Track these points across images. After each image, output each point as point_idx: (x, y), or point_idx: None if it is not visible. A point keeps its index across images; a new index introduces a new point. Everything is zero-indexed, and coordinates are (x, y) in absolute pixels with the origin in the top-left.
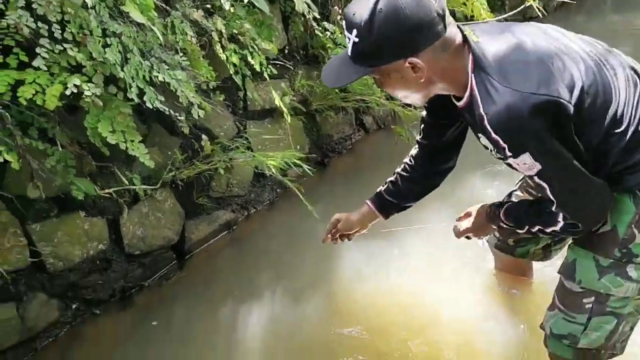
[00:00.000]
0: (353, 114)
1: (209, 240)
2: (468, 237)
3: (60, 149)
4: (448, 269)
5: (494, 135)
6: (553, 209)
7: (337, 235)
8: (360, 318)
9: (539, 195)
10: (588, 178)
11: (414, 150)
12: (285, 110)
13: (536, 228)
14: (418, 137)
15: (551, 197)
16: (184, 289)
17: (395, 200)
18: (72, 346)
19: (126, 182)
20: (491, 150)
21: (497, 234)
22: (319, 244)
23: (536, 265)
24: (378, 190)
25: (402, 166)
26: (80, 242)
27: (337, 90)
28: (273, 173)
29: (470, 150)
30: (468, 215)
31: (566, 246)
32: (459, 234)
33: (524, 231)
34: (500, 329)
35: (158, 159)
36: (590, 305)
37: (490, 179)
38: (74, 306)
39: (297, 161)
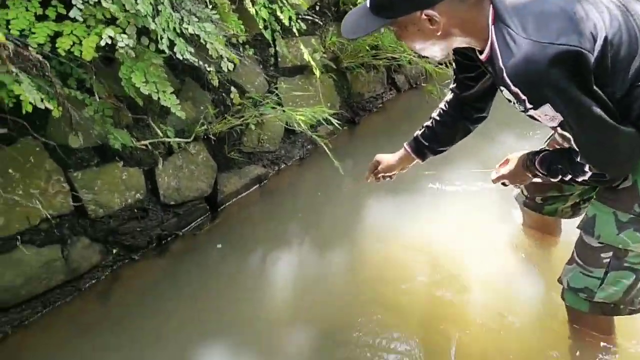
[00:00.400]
0: (385, 72)
1: (241, 193)
2: (504, 184)
3: (98, 99)
4: (476, 224)
5: (513, 87)
6: (578, 159)
7: (378, 175)
8: (386, 270)
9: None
10: (614, 128)
11: (448, 96)
12: (315, 66)
13: (568, 177)
14: (451, 85)
15: (575, 147)
16: (217, 239)
17: (430, 144)
18: (112, 287)
19: (160, 134)
20: (514, 103)
21: (525, 192)
22: (347, 198)
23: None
24: (415, 134)
25: (438, 111)
26: (119, 191)
27: (367, 47)
28: (302, 129)
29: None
30: (507, 162)
31: None
32: (495, 179)
33: (558, 179)
34: (523, 281)
35: (191, 113)
36: (607, 260)
37: (524, 139)
38: (114, 251)
39: (327, 116)
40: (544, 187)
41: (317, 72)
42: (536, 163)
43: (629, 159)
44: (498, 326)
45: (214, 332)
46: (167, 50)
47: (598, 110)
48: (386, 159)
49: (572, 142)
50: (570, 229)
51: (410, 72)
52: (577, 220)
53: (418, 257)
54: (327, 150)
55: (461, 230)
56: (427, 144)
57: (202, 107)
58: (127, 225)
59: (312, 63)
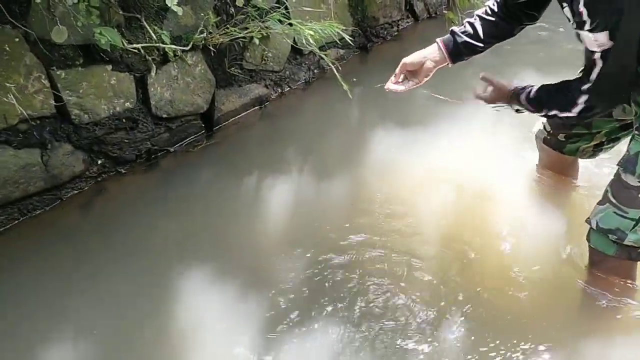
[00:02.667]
0: None
1: (240, 113)
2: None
3: None
4: (489, 159)
5: (581, 7)
6: (584, 88)
7: (403, 74)
8: (388, 204)
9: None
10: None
11: None
12: None
13: (553, 112)
14: None
15: (595, 76)
16: (210, 158)
17: (469, 39)
18: (96, 200)
19: (155, 38)
20: (571, 22)
21: (547, 128)
22: (353, 127)
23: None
24: (451, 29)
25: (483, 9)
26: (106, 97)
27: None
28: (311, 46)
29: None
30: (494, 84)
31: (615, 145)
32: (476, 96)
33: (540, 114)
34: (541, 222)
35: (189, 19)
36: None
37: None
38: (99, 161)
39: (339, 31)
40: (570, 123)
41: None
42: (522, 98)
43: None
44: (512, 275)
45: (197, 253)
46: None
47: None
48: (414, 58)
49: (596, 70)
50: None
51: None
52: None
53: (425, 194)
54: (336, 73)
55: (474, 169)
56: (465, 39)
57: (202, 14)
58: (115, 136)
59: None
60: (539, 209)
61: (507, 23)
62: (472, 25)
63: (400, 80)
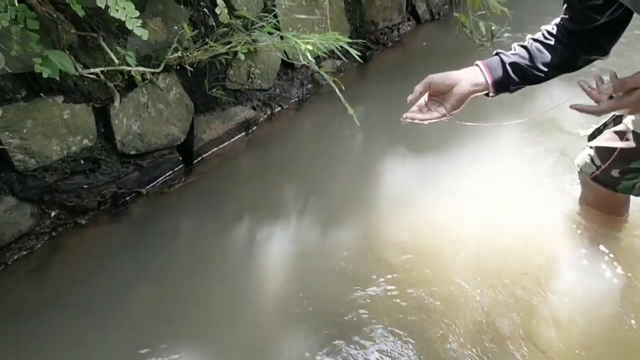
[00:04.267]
0: None
1: (224, 142)
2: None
3: (17, 3)
4: (525, 196)
5: None
6: None
7: (425, 95)
8: (399, 247)
9: None
10: None
11: (557, 20)
12: None
13: None
14: (562, 15)
15: None
16: (190, 200)
17: (523, 63)
18: (50, 261)
19: (116, 60)
20: None
21: (597, 161)
22: (359, 154)
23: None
24: (496, 51)
25: (539, 34)
26: (58, 135)
27: None
28: (309, 60)
29: None
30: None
31: None
32: (603, 106)
33: None
34: (592, 271)
35: (160, 34)
36: None
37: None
38: (52, 214)
39: (344, 45)
40: (629, 155)
41: None
42: None
43: None
44: (564, 321)
45: (178, 328)
46: None
47: None
48: (444, 77)
49: None
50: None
51: None
52: None
53: (451, 242)
54: (338, 92)
55: (502, 201)
56: (517, 60)
57: (175, 27)
58: (71, 181)
59: None
60: (585, 259)
61: (571, 51)
62: (525, 48)
63: (421, 103)
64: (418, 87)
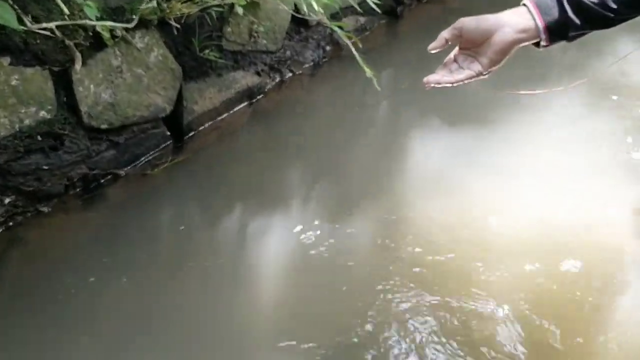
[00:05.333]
0: None
1: (221, 114)
2: None
3: None
4: (578, 179)
5: None
6: None
7: (452, 58)
8: (430, 244)
9: None
10: None
11: None
12: None
13: None
14: None
15: None
16: (178, 183)
17: (589, 1)
18: (5, 256)
19: (66, 10)
20: None
21: None
22: (381, 130)
23: None
24: None
25: None
26: (6, 106)
27: None
28: (317, 15)
29: None
30: None
31: None
32: None
33: None
34: None
35: None
36: None
37: None
38: (7, 200)
39: None
40: None
41: None
42: None
43: None
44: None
45: (157, 343)
46: None
47: None
48: (479, 21)
49: None
50: None
51: None
52: None
53: (495, 233)
54: (355, 53)
55: (561, 188)
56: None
57: None
58: (26, 161)
59: None
60: None
61: None
62: None
63: (449, 58)
64: (444, 34)
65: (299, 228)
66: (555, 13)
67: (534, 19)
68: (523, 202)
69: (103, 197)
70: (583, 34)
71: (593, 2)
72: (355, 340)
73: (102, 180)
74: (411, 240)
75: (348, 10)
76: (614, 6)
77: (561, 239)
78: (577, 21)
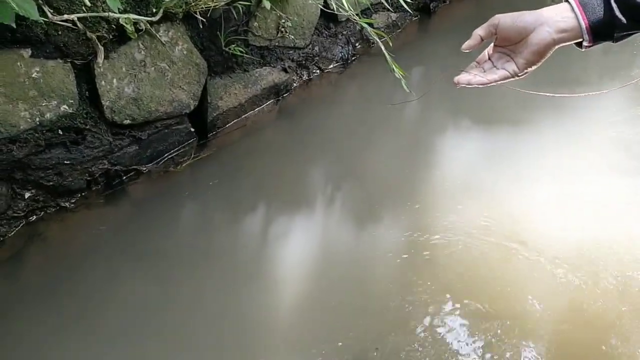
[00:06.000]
0: None
1: (247, 111)
2: None
3: None
4: (618, 189)
5: None
6: None
7: (486, 56)
8: (458, 252)
9: None
10: None
11: None
12: None
13: None
14: None
15: None
16: (202, 181)
17: None
18: (25, 251)
19: (87, 2)
20: None
21: None
22: (410, 130)
23: None
24: None
25: None
26: (26, 98)
27: None
28: (347, 11)
29: None
30: None
31: None
32: None
33: None
34: None
35: None
36: None
37: None
38: (27, 195)
39: None
40: None
41: None
42: None
43: None
44: None
45: (174, 342)
46: None
47: None
48: (515, 19)
49: None
50: None
51: None
52: None
53: (527, 241)
54: (385, 52)
55: (601, 197)
56: None
57: None
58: (46, 155)
59: None
60: None
61: None
62: None
63: (483, 56)
64: (478, 31)
65: (321, 230)
66: (600, 11)
67: (577, 18)
68: (554, 212)
69: (125, 194)
70: (630, 35)
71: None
72: (374, 353)
73: (125, 177)
74: (436, 246)
75: (379, 6)
76: None
77: (594, 253)
78: (624, 20)
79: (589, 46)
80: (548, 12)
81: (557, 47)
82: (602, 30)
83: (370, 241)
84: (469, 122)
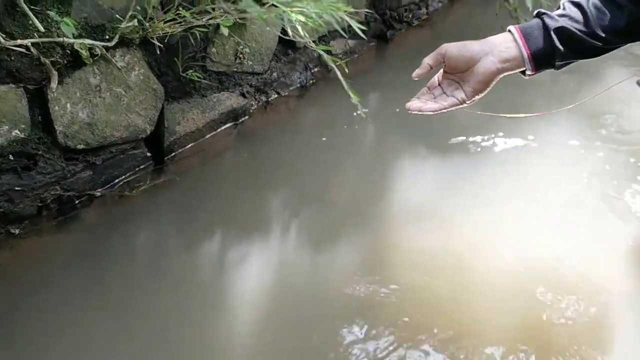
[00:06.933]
0: None
1: (205, 135)
2: None
3: None
4: (570, 215)
5: None
6: None
7: (436, 82)
8: (414, 278)
9: None
10: None
11: None
12: None
13: None
14: None
15: None
16: (157, 206)
17: (574, 28)
18: None
19: (41, 28)
20: None
21: None
22: (368, 154)
23: None
24: (538, 10)
25: None
26: None
27: None
28: (302, 37)
29: None
30: None
31: None
32: None
33: None
34: None
35: (119, 0)
36: None
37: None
38: None
39: (344, 15)
40: None
41: None
42: None
43: None
44: None
45: None
46: None
47: None
48: (462, 49)
49: None
50: None
51: None
52: None
53: (483, 267)
54: (342, 78)
55: (552, 221)
56: (566, 25)
57: None
58: None
59: None
60: None
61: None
62: (578, 7)
63: (433, 82)
64: (427, 60)
65: (279, 255)
66: (540, 41)
67: (519, 47)
68: (506, 236)
69: (78, 219)
70: (571, 62)
71: (581, 32)
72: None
73: (77, 202)
74: (393, 270)
75: (337, 33)
76: (603, 35)
77: (540, 275)
78: (564, 50)
79: (532, 74)
80: (493, 42)
81: (501, 75)
82: (544, 59)
83: (327, 264)
84: (425, 145)
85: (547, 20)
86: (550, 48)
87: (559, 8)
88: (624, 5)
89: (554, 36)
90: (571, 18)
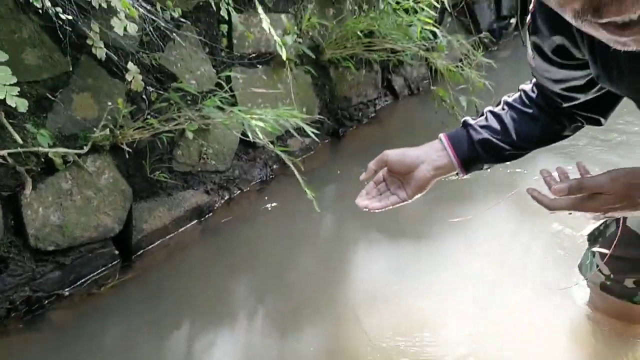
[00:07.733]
0: (380, 72)
1: (171, 232)
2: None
3: None
4: (518, 298)
5: None
6: None
7: (381, 174)
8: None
9: None
10: None
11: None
12: (286, 55)
13: None
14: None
15: None
16: (126, 301)
17: (493, 137)
18: None
19: (19, 140)
20: None
21: (605, 271)
22: (327, 244)
23: None
24: (464, 120)
25: (516, 95)
26: None
27: (359, 33)
28: (260, 139)
29: None
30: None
31: None
32: (557, 204)
33: None
34: None
35: (91, 111)
36: None
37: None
38: None
39: (299, 122)
40: None
41: (290, 67)
42: None
43: None
44: None
45: None
46: None
47: None
48: (401, 157)
49: None
50: None
51: (411, 73)
52: None
53: (432, 344)
54: (298, 175)
55: (491, 302)
56: (486, 136)
57: (109, 102)
58: None
59: (283, 51)
60: None
61: (556, 121)
62: (498, 118)
63: (379, 178)
64: (372, 165)
65: (246, 343)
66: (467, 150)
67: (449, 156)
68: (456, 318)
69: (46, 319)
70: (496, 164)
71: (501, 141)
72: None
73: (46, 302)
74: (357, 352)
75: (293, 132)
76: (522, 144)
77: (492, 353)
78: (487, 156)
79: (464, 176)
80: (426, 151)
81: (436, 180)
82: (471, 164)
83: (291, 348)
84: (376, 236)
85: (472, 132)
86: (475, 155)
87: (482, 115)
88: (538, 117)
89: (477, 147)
90: (492, 130)
